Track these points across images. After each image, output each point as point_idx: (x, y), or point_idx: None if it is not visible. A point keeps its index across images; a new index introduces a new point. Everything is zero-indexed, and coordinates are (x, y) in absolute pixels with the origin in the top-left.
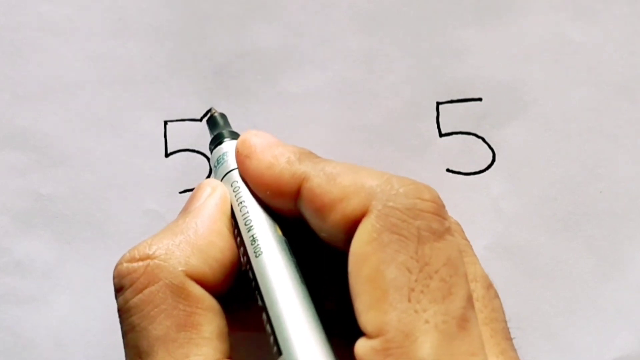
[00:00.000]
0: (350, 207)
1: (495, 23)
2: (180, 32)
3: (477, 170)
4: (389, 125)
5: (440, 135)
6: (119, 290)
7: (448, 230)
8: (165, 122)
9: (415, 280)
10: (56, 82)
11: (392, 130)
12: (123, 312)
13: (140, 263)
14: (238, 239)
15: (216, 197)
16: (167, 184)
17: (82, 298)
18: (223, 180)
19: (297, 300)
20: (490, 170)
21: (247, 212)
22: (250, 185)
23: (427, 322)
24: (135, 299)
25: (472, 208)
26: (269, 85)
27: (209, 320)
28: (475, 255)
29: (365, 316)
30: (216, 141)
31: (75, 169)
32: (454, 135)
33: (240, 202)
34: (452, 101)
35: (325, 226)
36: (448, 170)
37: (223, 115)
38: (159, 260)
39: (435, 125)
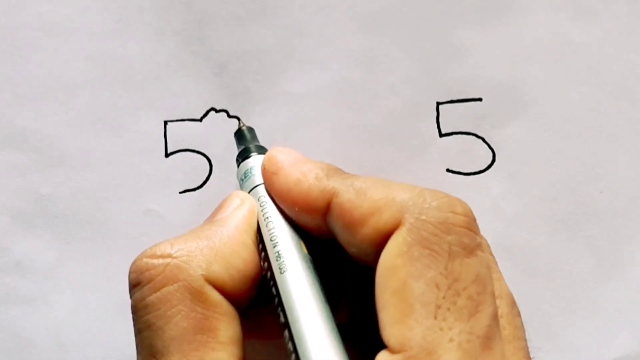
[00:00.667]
0: (382, 220)
1: (495, 23)
2: (180, 32)
3: (477, 170)
4: (389, 125)
5: (440, 135)
6: (135, 285)
7: (479, 245)
8: (165, 122)
9: (443, 297)
10: (56, 82)
11: (392, 130)
12: (139, 309)
13: (161, 260)
14: (263, 253)
15: (245, 209)
16: (167, 184)
17: (82, 298)
18: (250, 194)
19: (320, 320)
20: (490, 170)
21: (273, 227)
22: (277, 201)
23: (451, 340)
24: (152, 297)
25: (472, 208)
26: (269, 85)
27: (226, 325)
28: (500, 272)
29: (390, 330)
30: (243, 155)
31: (75, 169)
32: (454, 135)
33: (267, 218)
34: (452, 101)
35: (356, 241)
36: (448, 170)
37: (251, 129)
38: (180, 260)
39: (435, 125)
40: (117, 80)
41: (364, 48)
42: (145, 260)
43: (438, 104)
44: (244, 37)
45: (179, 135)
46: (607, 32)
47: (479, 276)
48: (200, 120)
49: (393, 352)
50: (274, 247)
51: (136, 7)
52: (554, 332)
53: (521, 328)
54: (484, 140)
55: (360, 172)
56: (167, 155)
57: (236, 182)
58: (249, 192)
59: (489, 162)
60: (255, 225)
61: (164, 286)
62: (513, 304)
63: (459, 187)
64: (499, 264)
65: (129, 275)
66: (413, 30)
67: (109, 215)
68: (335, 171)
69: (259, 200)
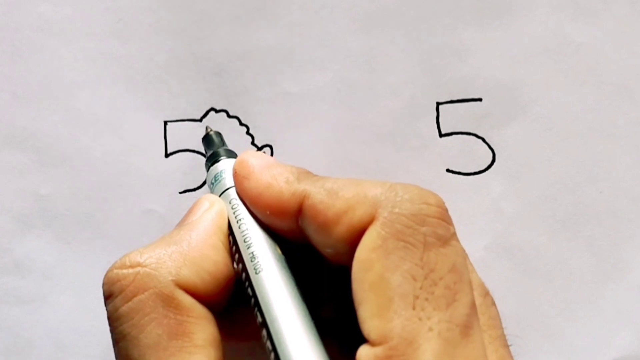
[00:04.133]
0: (356, 217)
1: (495, 23)
2: (180, 32)
3: (477, 170)
4: (389, 125)
5: (440, 135)
6: (108, 297)
7: (453, 236)
8: (165, 122)
9: (420, 288)
10: (56, 82)
11: (392, 130)
12: (113, 320)
13: (130, 270)
14: (236, 255)
15: (213, 212)
16: (167, 184)
17: (82, 298)
18: (221, 197)
19: (297, 318)
20: (490, 170)
21: (247, 229)
22: (249, 205)
23: (430, 329)
24: (125, 307)
25: (472, 208)
26: (269, 85)
27: (201, 328)
28: (471, 263)
29: (369, 323)
30: (212, 159)
31: (75, 169)
32: (454, 135)
33: (239, 220)
34: (452, 101)
35: (331, 241)
36: (448, 170)
37: (218, 134)
38: (150, 268)
39: (435, 125)
40: (117, 80)
41: (364, 48)
42: (115, 271)
43: (438, 104)
44: (244, 37)
45: (179, 135)
46: (607, 32)
47: (455, 266)
48: (200, 120)
49: (374, 345)
50: (248, 248)
51: (136, 7)
52: (554, 332)
53: (496, 317)
54: (484, 140)
55: (361, 172)
56: (167, 155)
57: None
58: (219, 195)
59: (489, 162)
60: (225, 228)
61: (135, 295)
62: (486, 293)
63: (459, 187)
64: (499, 264)
65: (102, 288)
66: (413, 30)
67: (109, 215)
68: (305, 174)
69: (230, 202)
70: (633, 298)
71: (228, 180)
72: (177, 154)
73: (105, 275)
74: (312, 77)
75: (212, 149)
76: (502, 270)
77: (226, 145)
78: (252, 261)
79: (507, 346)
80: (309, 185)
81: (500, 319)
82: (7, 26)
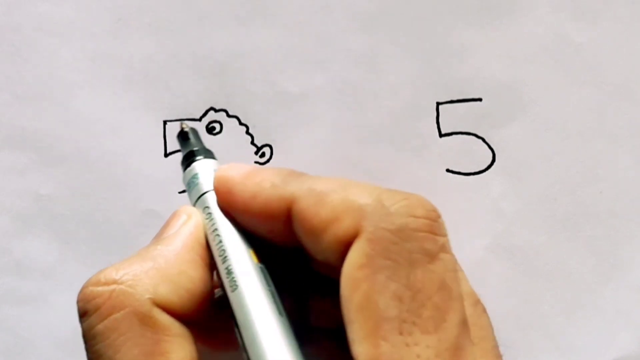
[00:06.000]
0: (341, 229)
1: (496, 23)
2: (180, 32)
3: (477, 170)
4: (389, 125)
5: (440, 135)
6: (82, 315)
7: (442, 247)
8: (165, 122)
9: (407, 310)
10: (56, 82)
11: (392, 130)
12: (88, 339)
13: (106, 287)
14: (215, 270)
15: (191, 225)
16: (166, 184)
17: None
18: (196, 204)
19: (277, 337)
20: (490, 170)
21: (221, 241)
22: (238, 219)
23: (418, 356)
24: (100, 326)
25: (472, 208)
26: (269, 85)
27: (177, 347)
28: (462, 270)
29: (358, 348)
30: (187, 161)
31: (75, 169)
32: (454, 135)
33: (214, 230)
34: (452, 101)
35: (320, 248)
36: (448, 170)
37: (194, 130)
38: (126, 286)
39: (435, 125)
40: (117, 80)
41: (364, 48)
42: (90, 288)
43: (438, 104)
44: (244, 37)
45: None
46: (607, 32)
47: (444, 282)
48: (200, 119)
49: None
50: (224, 262)
51: (136, 6)
52: (554, 332)
53: (488, 327)
54: (484, 140)
55: (361, 172)
56: (166, 155)
57: None
58: (196, 201)
59: (489, 162)
60: (204, 240)
61: (111, 314)
62: (476, 302)
63: (459, 187)
64: (499, 264)
65: (77, 305)
66: (413, 30)
67: (109, 215)
68: (291, 175)
69: (204, 210)
70: (633, 298)
71: (204, 185)
72: (177, 154)
73: (80, 292)
74: (312, 77)
75: (187, 148)
76: (502, 270)
77: (202, 143)
78: (228, 277)
79: (499, 357)
80: (296, 188)
81: (492, 328)
82: (7, 26)
